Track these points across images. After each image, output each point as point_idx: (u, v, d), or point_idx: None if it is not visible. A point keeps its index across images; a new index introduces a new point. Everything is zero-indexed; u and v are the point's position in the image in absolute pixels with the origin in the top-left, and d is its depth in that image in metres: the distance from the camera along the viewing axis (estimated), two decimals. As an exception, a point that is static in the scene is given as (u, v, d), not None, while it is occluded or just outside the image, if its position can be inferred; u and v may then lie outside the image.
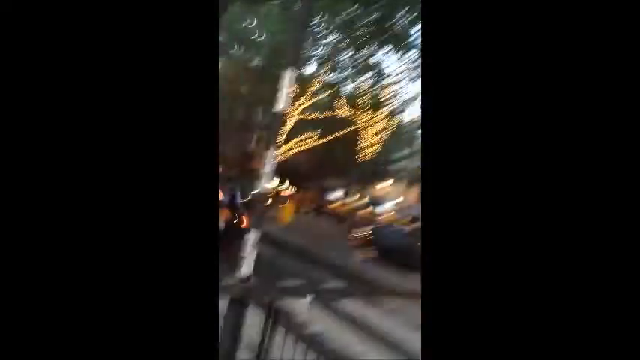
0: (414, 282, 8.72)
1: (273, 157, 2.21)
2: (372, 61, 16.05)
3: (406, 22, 11.37)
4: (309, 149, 21.07)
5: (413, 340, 4.77)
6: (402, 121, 17.79)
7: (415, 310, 6.34)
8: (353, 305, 5.70)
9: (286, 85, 2.22)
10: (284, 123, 14.50)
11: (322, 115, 19.95)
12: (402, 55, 14.04)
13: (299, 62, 2.84)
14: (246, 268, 2.23)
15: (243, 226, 7.04)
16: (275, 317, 2.15)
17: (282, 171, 21.45)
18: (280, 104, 2.22)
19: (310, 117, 19.88)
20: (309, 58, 17.30)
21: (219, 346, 2.27)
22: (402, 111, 17.41)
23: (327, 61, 17.20)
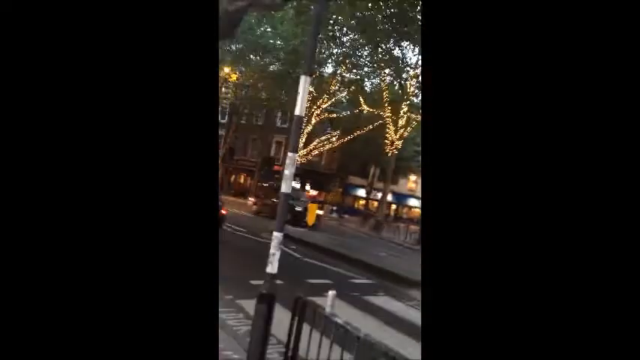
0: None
1: (293, 160, 2.29)
2: (390, 56, 15.91)
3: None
4: (331, 149, 21.10)
5: None
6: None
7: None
8: (380, 300, 5.75)
9: (303, 89, 2.29)
10: (303, 125, 14.56)
11: (343, 113, 19.93)
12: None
13: (313, 65, 2.91)
14: (271, 267, 2.31)
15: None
16: (301, 313, 2.22)
17: (305, 172, 21.60)
18: (298, 108, 2.29)
19: (332, 116, 19.89)
20: (328, 57, 17.34)
21: (249, 344, 2.37)
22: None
23: (345, 60, 17.17)
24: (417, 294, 6.48)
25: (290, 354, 2.21)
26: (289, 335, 2.23)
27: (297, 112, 2.29)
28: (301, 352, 2.23)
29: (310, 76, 2.37)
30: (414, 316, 5.34)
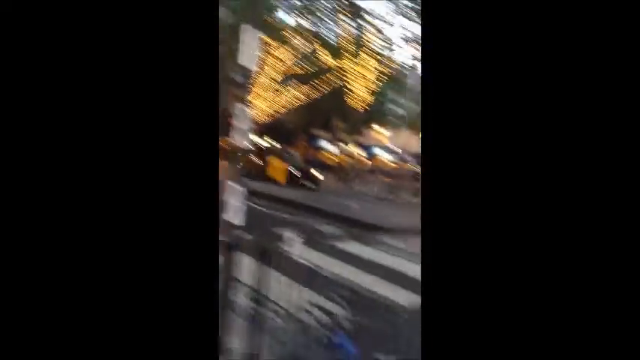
0: (411, 219, 9.08)
1: (242, 112, 2.29)
2: (352, 5, 15.45)
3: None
4: (296, 104, 20.80)
5: (411, 270, 5.17)
6: (394, 67, 17.38)
7: (413, 244, 6.70)
8: (349, 246, 6.01)
9: (249, 38, 2.25)
10: (252, 78, 14.16)
11: (307, 67, 19.53)
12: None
13: (260, 14, 2.81)
14: (236, 219, 2.37)
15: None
16: (267, 259, 2.33)
17: (269, 127, 21.32)
18: (245, 58, 2.26)
19: (291, 70, 19.46)
20: (287, 7, 16.65)
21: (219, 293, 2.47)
22: (394, 55, 16.92)
23: (304, 9, 16.56)
24: (384, 239, 6.86)
25: (256, 295, 2.34)
26: (255, 279, 2.34)
27: (242, 62, 2.26)
28: (268, 293, 2.35)
29: (257, 24, 2.32)
30: (381, 257, 5.65)
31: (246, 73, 2.35)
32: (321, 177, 13.25)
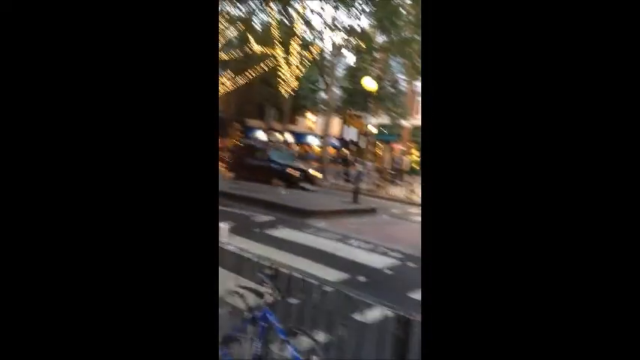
0: (338, 203, 9.49)
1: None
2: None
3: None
4: (226, 93, 20.30)
5: (339, 249, 5.55)
6: (320, 52, 17.54)
7: (339, 225, 7.09)
8: (280, 232, 6.17)
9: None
10: None
11: (233, 53, 19.08)
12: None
13: None
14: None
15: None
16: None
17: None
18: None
19: (222, 56, 18.90)
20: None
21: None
22: (319, 40, 17.01)
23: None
24: (313, 222, 7.18)
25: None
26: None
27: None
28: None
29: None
30: (310, 240, 5.93)
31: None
32: (320, 175, 12.93)
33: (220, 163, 12.38)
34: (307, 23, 15.99)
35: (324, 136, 18.57)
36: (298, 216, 7.53)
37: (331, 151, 21.76)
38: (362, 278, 4.46)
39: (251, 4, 17.17)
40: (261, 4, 16.73)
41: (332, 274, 4.29)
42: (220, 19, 17.01)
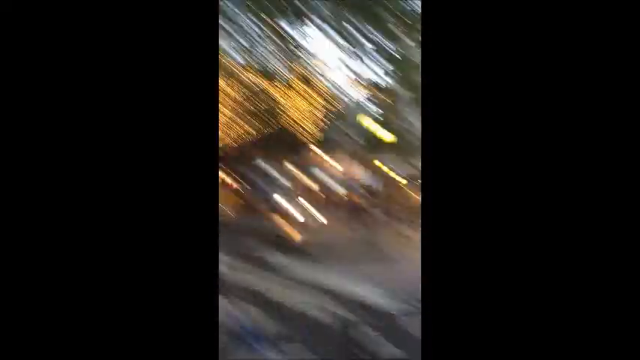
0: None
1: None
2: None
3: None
4: (247, 139, 20.67)
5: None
6: (339, 104, 17.78)
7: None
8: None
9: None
10: None
11: (255, 105, 19.60)
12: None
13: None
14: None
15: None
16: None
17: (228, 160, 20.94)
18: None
19: (243, 107, 19.47)
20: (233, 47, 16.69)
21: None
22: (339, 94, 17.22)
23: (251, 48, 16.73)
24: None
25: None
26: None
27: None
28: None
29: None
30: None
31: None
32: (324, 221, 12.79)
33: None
34: (328, 76, 16.29)
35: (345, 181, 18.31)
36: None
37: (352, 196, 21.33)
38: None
39: (271, 59, 17.75)
40: (282, 58, 17.30)
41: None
42: (242, 70, 17.68)
